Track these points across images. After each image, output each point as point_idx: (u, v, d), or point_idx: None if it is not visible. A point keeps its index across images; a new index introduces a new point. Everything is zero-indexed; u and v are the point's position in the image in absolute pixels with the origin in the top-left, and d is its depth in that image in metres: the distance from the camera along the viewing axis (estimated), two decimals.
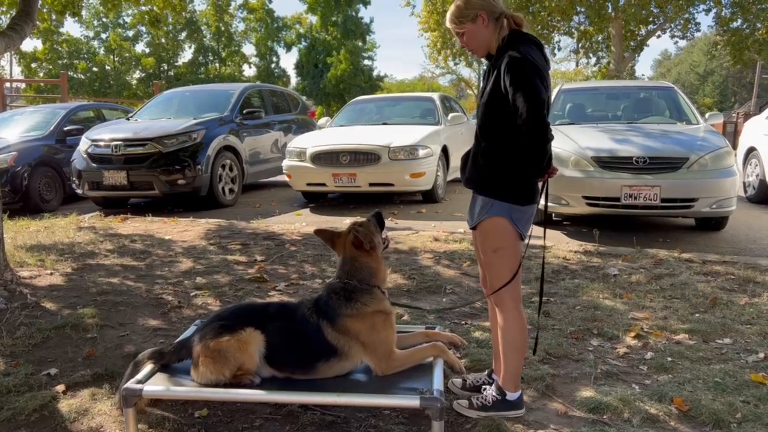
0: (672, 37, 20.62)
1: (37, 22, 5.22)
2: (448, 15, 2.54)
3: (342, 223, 6.96)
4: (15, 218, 7.45)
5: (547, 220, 2.32)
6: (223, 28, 43.64)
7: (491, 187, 2.47)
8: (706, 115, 7.48)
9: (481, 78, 2.63)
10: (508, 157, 2.41)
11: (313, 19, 41.64)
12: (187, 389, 2.44)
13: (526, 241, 2.55)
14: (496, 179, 2.45)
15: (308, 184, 8.47)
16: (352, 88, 37.99)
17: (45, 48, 37.75)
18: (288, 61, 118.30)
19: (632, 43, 20.52)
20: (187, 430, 2.53)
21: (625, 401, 2.66)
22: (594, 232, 5.88)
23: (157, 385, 2.43)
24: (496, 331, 2.67)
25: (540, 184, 2.55)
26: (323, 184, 8.25)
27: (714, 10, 18.84)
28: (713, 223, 6.58)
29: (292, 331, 2.51)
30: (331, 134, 8.86)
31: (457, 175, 9.48)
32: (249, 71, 45.20)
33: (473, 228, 2.60)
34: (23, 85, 28.23)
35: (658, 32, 20.47)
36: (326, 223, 6.95)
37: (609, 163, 6.07)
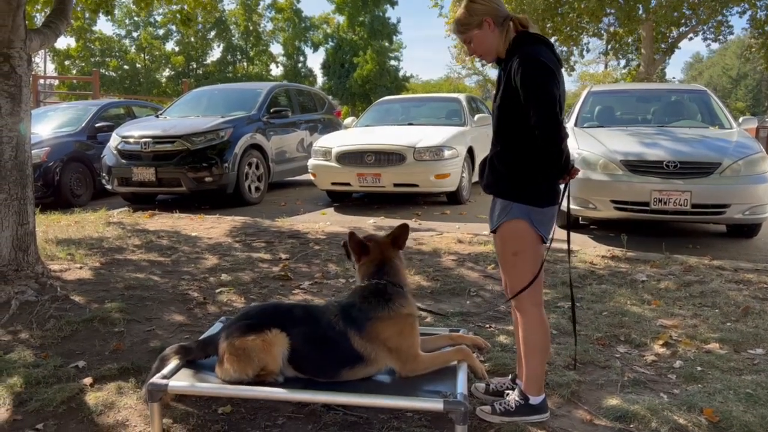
0: (704, 39, 20.17)
1: (71, 21, 5.32)
2: (453, 24, 2.52)
3: (366, 223, 6.97)
4: (46, 212, 7.61)
5: (571, 224, 2.27)
6: (251, 28, 44.05)
7: (509, 189, 2.45)
8: (740, 120, 7.31)
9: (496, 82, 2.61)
10: (524, 158, 2.39)
11: (341, 19, 41.78)
12: (211, 386, 2.46)
13: (548, 244, 2.52)
14: (514, 182, 2.43)
15: (333, 184, 8.50)
16: (378, 88, 38.01)
17: (78, 46, 38.49)
18: (315, 60, 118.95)
19: (663, 46, 20.12)
20: (210, 426, 2.54)
21: (653, 410, 2.61)
22: (622, 237, 5.78)
23: (182, 381, 2.45)
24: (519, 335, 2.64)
25: (561, 186, 2.52)
26: (348, 184, 8.27)
27: (749, 12, 18.39)
28: (746, 230, 6.43)
29: (317, 337, 2.50)
30: (357, 134, 8.88)
31: None
32: (276, 70, 45.58)
33: (493, 231, 2.57)
34: (57, 82, 28.84)
35: (690, 34, 20.04)
36: (350, 223, 6.96)
37: (638, 167, 5.97)
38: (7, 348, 3.34)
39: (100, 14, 8.06)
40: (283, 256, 5.35)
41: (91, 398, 2.76)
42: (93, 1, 7.60)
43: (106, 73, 39.48)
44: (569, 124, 7.29)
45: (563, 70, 2.46)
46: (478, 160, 8.99)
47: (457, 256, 5.29)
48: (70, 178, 8.98)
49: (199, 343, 2.67)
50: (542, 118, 2.26)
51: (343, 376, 2.48)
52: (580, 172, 2.62)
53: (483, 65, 28.86)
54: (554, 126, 2.27)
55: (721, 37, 20.17)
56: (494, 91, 2.56)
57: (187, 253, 5.47)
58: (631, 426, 2.53)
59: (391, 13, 66.20)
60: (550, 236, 2.53)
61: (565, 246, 3.09)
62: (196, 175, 8.15)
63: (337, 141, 8.53)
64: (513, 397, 2.60)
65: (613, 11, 18.56)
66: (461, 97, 10.28)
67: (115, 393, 2.82)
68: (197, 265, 5.05)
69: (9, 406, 2.72)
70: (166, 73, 44.20)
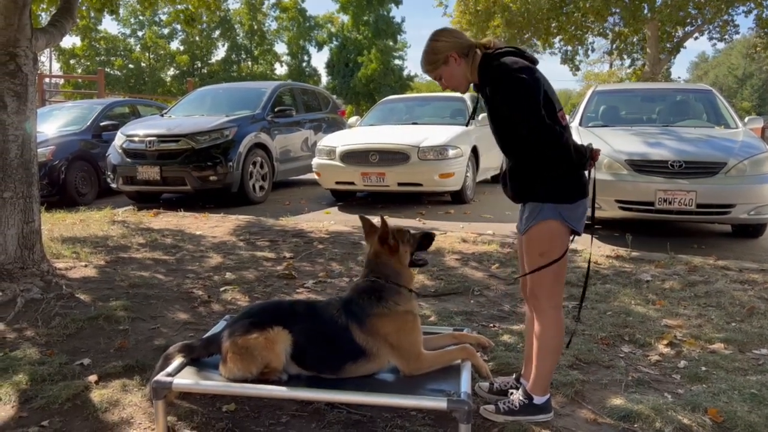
0: (710, 39, 20.14)
1: (77, 20, 5.33)
2: (421, 64, 2.57)
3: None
4: (52, 211, 7.63)
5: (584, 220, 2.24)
6: (256, 27, 44.10)
7: (536, 192, 2.44)
8: (746, 119, 7.28)
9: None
10: (540, 163, 2.39)
11: (345, 18, 41.79)
12: (215, 383, 2.47)
13: (574, 240, 2.51)
14: (539, 184, 2.42)
15: (337, 183, 8.50)
16: (382, 87, 38.00)
17: (83, 45, 38.63)
18: (319, 59, 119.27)
19: (668, 45, 20.07)
20: (215, 423, 2.55)
21: (657, 410, 2.60)
22: (626, 237, 5.77)
23: (187, 379, 2.46)
24: (531, 335, 2.63)
25: (587, 174, 2.50)
26: (352, 183, 8.27)
27: (755, 12, 18.33)
28: (751, 230, 6.39)
29: (320, 332, 2.51)
30: (361, 133, 8.88)
31: (487, 176, 9.43)
32: (280, 70, 45.65)
33: (524, 234, 2.55)
34: (62, 81, 28.91)
35: (696, 34, 20.00)
36: (354, 222, 6.95)
37: (643, 166, 5.95)
38: (12, 345, 3.36)
39: (105, 13, 8.09)
40: (287, 255, 5.36)
41: (96, 396, 2.77)
42: (98, 0, 7.62)
43: (111, 72, 39.58)
44: (574, 123, 7.27)
45: (566, 68, 2.48)
46: (482, 160, 8.99)
47: (461, 256, 5.28)
48: (75, 177, 9.00)
49: (202, 342, 2.68)
50: (531, 129, 2.28)
51: (347, 371, 2.48)
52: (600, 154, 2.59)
53: None
54: (544, 131, 2.28)
55: (726, 36, 20.13)
56: (486, 112, 2.56)
57: (192, 251, 5.48)
58: (635, 426, 2.53)
59: (396, 13, 66.14)
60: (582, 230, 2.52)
61: (574, 246, 3.08)
62: (200, 174, 8.16)
63: (341, 140, 8.53)
64: (517, 396, 2.59)
65: (618, 11, 18.54)
66: (466, 96, 10.26)
67: (120, 390, 2.83)
68: (201, 264, 5.06)
69: (15, 403, 2.73)
70: (171, 72, 44.32)
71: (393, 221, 6.76)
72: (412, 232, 2.74)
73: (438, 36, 2.51)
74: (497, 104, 2.36)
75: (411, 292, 2.62)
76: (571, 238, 2.51)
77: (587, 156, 2.42)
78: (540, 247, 2.46)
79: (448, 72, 2.50)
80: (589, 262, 2.92)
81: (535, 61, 2.44)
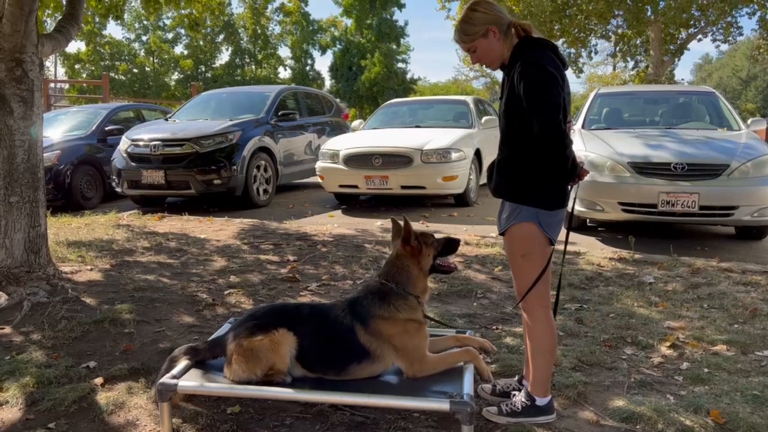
0: (714, 40, 20.08)
1: (82, 25, 5.38)
2: (456, 33, 2.50)
3: (373, 225, 6.99)
4: (57, 215, 7.67)
5: (574, 226, 2.25)
6: (259, 31, 44.23)
7: (518, 193, 2.46)
8: (749, 121, 7.28)
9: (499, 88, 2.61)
10: (532, 163, 2.40)
11: (348, 22, 41.87)
12: (220, 386, 2.49)
13: (555, 246, 2.53)
14: (523, 185, 2.43)
15: (341, 186, 8.52)
16: (386, 90, 38.04)
17: (88, 50, 38.81)
18: (323, 63, 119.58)
19: (672, 47, 20.04)
20: (219, 425, 2.57)
21: (660, 412, 2.61)
22: (629, 239, 5.78)
23: (192, 381, 2.49)
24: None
25: (569, 188, 2.52)
26: (355, 186, 8.30)
27: (758, 13, 18.29)
28: (754, 232, 6.40)
29: (324, 333, 2.54)
30: (364, 136, 8.90)
31: None
32: (284, 73, 45.77)
33: (502, 234, 2.59)
34: (67, 86, 29.01)
35: (699, 36, 19.96)
36: (358, 225, 6.98)
37: (645, 169, 5.96)
38: (19, 348, 3.39)
39: (110, 18, 8.16)
40: (291, 258, 5.38)
41: (102, 398, 2.80)
42: (103, 6, 7.69)
43: (116, 76, 39.75)
44: (577, 126, 7.28)
45: (570, 71, 2.48)
46: (485, 163, 9.00)
47: (464, 258, 5.30)
48: (81, 181, 9.07)
49: (207, 344, 2.71)
50: (545, 126, 2.27)
51: (351, 372, 2.51)
52: (587, 175, 2.62)
53: None
54: (557, 134, 2.27)
55: (730, 38, 20.05)
56: (499, 97, 2.56)
57: (196, 255, 5.51)
58: (638, 427, 2.54)
59: (399, 16, 66.34)
60: (557, 239, 2.54)
61: (571, 248, 3.10)
62: (204, 177, 8.21)
63: (344, 143, 8.57)
64: (519, 398, 2.61)
65: (621, 13, 18.52)
66: (469, 99, 10.30)
67: (126, 393, 2.85)
68: (206, 267, 5.09)
69: (22, 405, 2.76)
70: (175, 76, 44.46)
71: (384, 220, 6.76)
72: (436, 236, 2.76)
73: (477, 6, 2.43)
74: (519, 92, 2.32)
75: (419, 302, 2.62)
76: (553, 247, 2.52)
77: (577, 172, 2.43)
78: (520, 249, 2.49)
79: (485, 45, 2.45)
80: (559, 283, 2.93)
81: (566, 64, 2.45)
